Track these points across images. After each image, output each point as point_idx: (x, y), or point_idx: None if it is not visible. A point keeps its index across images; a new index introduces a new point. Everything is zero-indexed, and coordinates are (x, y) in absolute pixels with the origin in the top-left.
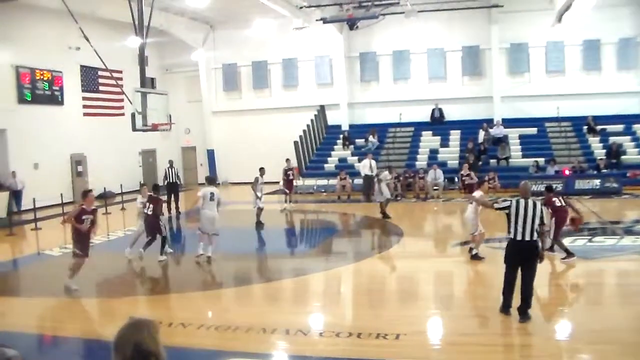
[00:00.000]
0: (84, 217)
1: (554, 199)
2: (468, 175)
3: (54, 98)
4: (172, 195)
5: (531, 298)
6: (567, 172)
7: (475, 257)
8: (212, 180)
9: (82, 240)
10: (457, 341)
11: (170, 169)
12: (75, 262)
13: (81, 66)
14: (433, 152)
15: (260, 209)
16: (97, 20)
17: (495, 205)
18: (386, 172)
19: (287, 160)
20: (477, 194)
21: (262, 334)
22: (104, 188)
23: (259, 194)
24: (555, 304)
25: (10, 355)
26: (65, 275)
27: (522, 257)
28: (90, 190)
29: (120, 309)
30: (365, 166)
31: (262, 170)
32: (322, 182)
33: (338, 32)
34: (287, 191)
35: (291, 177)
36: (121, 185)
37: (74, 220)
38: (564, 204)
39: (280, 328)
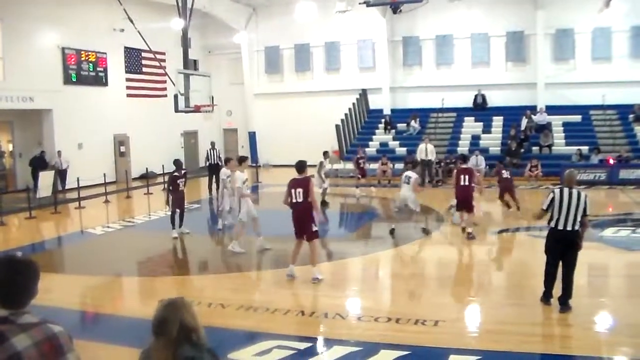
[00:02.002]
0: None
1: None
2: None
3: (99, 79)
4: (214, 177)
5: (572, 288)
6: (611, 162)
7: (471, 237)
8: (242, 159)
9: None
10: (496, 329)
11: (212, 151)
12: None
13: (125, 47)
14: (475, 139)
15: (325, 189)
16: (141, 2)
17: (543, 207)
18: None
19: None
20: (413, 175)
21: (301, 316)
22: (146, 169)
23: (323, 177)
24: (596, 295)
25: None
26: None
27: (563, 247)
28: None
29: (160, 288)
30: (422, 150)
31: (326, 154)
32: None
33: (381, 16)
34: (359, 177)
35: (362, 165)
36: (163, 166)
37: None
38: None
39: (318, 311)
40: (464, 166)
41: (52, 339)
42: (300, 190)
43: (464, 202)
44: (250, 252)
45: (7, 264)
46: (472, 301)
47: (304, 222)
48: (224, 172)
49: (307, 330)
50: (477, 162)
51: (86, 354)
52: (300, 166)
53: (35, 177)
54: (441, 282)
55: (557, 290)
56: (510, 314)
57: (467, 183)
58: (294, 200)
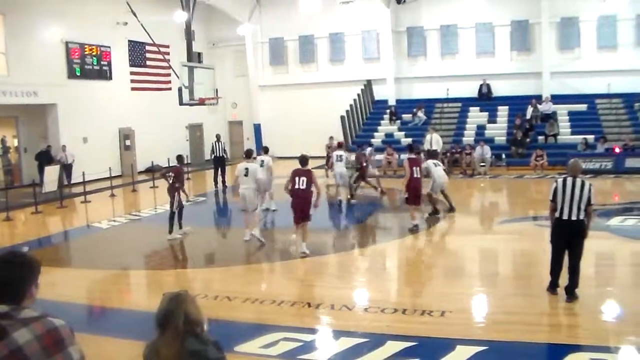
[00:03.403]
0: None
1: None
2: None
3: (103, 73)
4: (219, 169)
5: (578, 277)
6: (617, 150)
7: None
8: (248, 154)
9: None
10: (502, 319)
11: (217, 143)
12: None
13: (129, 41)
14: (480, 128)
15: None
16: None
17: (550, 199)
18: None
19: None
20: (344, 153)
21: (307, 308)
22: (152, 162)
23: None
24: (603, 285)
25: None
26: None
27: (568, 237)
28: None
29: (166, 281)
30: (427, 141)
31: (341, 145)
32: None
33: (385, 6)
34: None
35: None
36: (168, 159)
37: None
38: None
39: (325, 303)
40: (413, 156)
41: (53, 332)
42: (304, 179)
43: (416, 194)
44: (256, 244)
45: (7, 260)
46: (478, 291)
47: (305, 208)
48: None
49: (314, 322)
50: (483, 152)
51: (92, 347)
52: (304, 160)
53: (41, 172)
54: (447, 272)
55: (564, 279)
56: (517, 304)
57: (418, 175)
58: (297, 187)
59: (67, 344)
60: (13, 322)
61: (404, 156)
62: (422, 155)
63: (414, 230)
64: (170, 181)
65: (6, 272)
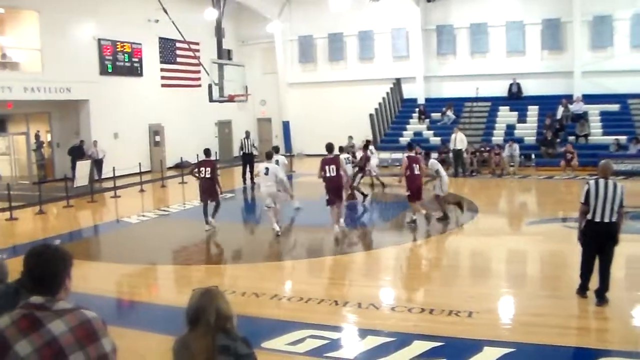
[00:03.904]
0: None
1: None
2: None
3: (134, 69)
4: (248, 166)
5: (609, 281)
6: None
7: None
8: (268, 155)
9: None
10: (530, 321)
11: (246, 140)
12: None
13: (160, 38)
14: (510, 128)
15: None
16: None
17: (581, 201)
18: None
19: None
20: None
21: (334, 306)
22: (181, 158)
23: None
24: (634, 288)
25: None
26: None
27: (600, 239)
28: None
29: (195, 277)
30: (452, 140)
31: (368, 142)
32: (397, 155)
33: (415, 5)
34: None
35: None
36: (197, 155)
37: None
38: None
39: (352, 301)
40: (412, 154)
41: (87, 324)
42: (333, 166)
43: (418, 191)
44: (283, 241)
45: (41, 252)
46: (506, 292)
47: (338, 191)
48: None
49: (341, 320)
50: (512, 151)
51: (120, 340)
52: (330, 147)
53: (73, 167)
54: (475, 272)
55: (594, 282)
56: (545, 305)
57: (418, 172)
58: (327, 175)
59: (99, 335)
60: (48, 313)
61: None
62: (422, 153)
63: (412, 225)
64: (208, 175)
65: (43, 264)
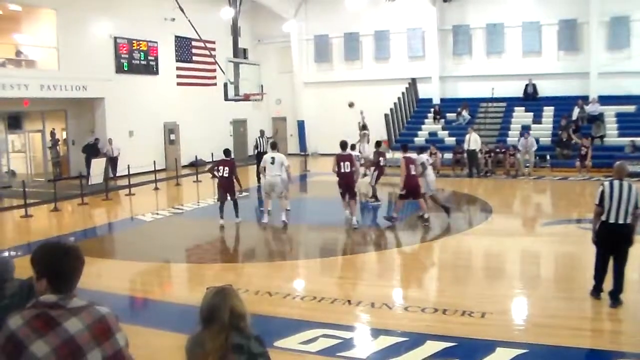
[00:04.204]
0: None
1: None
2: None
3: (150, 68)
4: None
5: (623, 282)
6: None
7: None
8: (273, 145)
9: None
10: (543, 323)
11: (260, 139)
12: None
13: (176, 37)
14: (525, 129)
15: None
16: None
17: (596, 202)
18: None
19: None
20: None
21: (347, 305)
22: (195, 156)
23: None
24: None
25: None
26: None
27: (614, 241)
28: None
29: (208, 275)
30: (466, 140)
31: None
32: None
33: (431, 4)
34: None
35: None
36: (212, 154)
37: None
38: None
39: (365, 301)
40: (407, 155)
41: (102, 320)
42: (347, 162)
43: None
44: (298, 240)
45: (54, 250)
46: (519, 293)
47: (351, 186)
48: None
49: (354, 319)
50: (527, 144)
51: (134, 338)
52: (344, 145)
53: (88, 165)
54: (489, 273)
55: (608, 284)
56: (559, 307)
57: (415, 172)
58: (342, 171)
59: (114, 331)
60: (63, 311)
61: (448, 156)
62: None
63: (391, 219)
64: (226, 175)
65: (60, 262)
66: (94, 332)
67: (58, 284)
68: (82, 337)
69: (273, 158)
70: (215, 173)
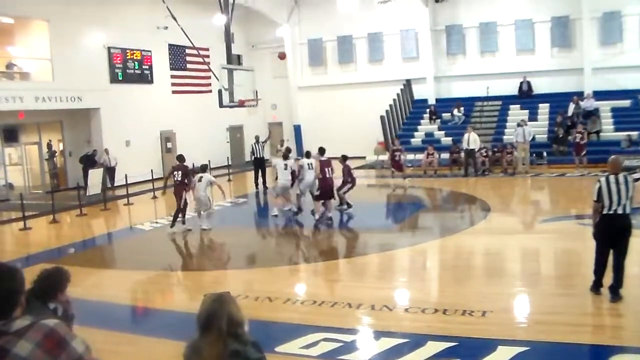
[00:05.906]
0: None
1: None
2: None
3: (144, 77)
4: (259, 171)
5: (623, 277)
6: None
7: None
8: (285, 156)
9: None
10: (544, 320)
11: (256, 145)
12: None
13: (169, 45)
14: (521, 126)
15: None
16: (184, 0)
17: (594, 199)
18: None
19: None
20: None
21: (348, 308)
22: (193, 164)
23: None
24: None
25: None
26: None
27: (613, 233)
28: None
29: (206, 282)
30: (465, 140)
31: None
32: (409, 156)
33: (423, 5)
34: (394, 170)
35: (397, 158)
36: (209, 161)
37: None
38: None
39: (365, 303)
40: (323, 158)
41: (51, 334)
42: (329, 168)
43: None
44: (297, 244)
45: None
46: (520, 291)
47: (331, 191)
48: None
49: (354, 322)
50: (524, 133)
51: (134, 347)
52: (323, 150)
53: (85, 175)
54: (488, 272)
55: (608, 279)
56: (559, 304)
57: (330, 175)
58: (327, 175)
59: (68, 340)
60: (8, 337)
61: (445, 156)
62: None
63: (320, 219)
64: (178, 180)
65: None
66: (46, 348)
67: None
68: (35, 357)
69: (286, 164)
70: (173, 178)
